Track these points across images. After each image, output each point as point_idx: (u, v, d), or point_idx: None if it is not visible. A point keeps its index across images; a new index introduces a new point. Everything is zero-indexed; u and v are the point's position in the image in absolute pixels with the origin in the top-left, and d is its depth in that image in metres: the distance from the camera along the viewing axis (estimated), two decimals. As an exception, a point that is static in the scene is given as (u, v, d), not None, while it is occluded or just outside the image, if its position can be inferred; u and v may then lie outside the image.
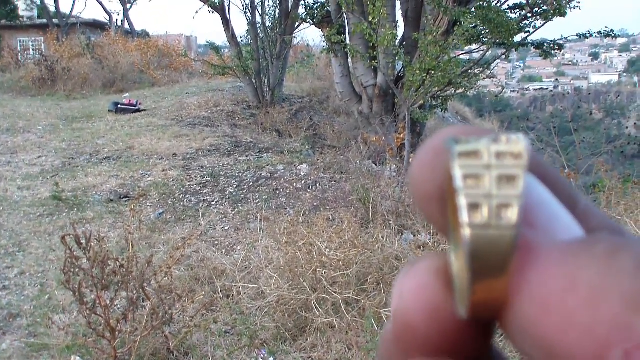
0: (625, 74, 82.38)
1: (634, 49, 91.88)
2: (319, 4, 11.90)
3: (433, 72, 7.95)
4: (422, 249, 5.40)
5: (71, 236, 3.69)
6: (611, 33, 10.36)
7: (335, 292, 4.58)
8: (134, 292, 3.98)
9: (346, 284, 4.69)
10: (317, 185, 8.22)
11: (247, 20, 13.34)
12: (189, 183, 8.48)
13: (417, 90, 8.23)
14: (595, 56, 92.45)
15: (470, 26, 8.36)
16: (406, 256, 5.22)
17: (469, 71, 9.32)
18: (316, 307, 4.50)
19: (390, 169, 8.36)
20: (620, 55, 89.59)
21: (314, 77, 19.06)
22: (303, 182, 8.36)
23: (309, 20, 12.12)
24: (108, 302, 3.81)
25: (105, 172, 8.86)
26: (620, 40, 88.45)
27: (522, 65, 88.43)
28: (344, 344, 4.20)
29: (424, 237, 5.81)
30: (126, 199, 7.78)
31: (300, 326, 4.55)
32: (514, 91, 77.19)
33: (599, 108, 71.45)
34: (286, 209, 7.26)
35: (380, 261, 5.06)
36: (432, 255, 0.28)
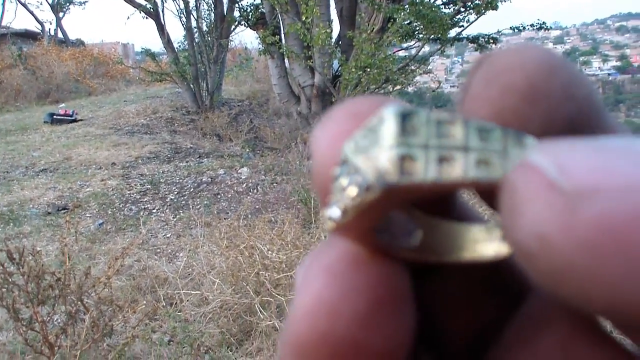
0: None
1: (568, 40, 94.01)
2: (253, 6, 11.86)
3: (369, 70, 7.99)
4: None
5: (3, 251, 3.59)
6: (544, 25, 10.56)
7: (279, 295, 4.55)
8: (73, 305, 3.89)
9: (290, 286, 4.67)
10: (258, 188, 8.18)
11: (183, 25, 13.23)
12: (128, 192, 8.36)
13: (355, 88, 8.27)
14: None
15: (404, 22, 8.43)
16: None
17: (406, 67, 9.40)
18: (260, 311, 4.47)
19: (331, 168, 8.36)
20: (555, 48, 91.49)
21: (252, 80, 19.00)
22: (244, 185, 8.31)
23: (244, 22, 12.07)
24: (45, 317, 3.72)
25: (42, 185, 8.67)
26: (555, 33, 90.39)
27: (460, 60, 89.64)
28: (290, 346, 4.17)
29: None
30: (65, 211, 7.62)
31: (245, 330, 4.52)
32: (453, 86, 78.20)
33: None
34: (227, 213, 7.21)
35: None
36: None
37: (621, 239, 0.17)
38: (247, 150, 10.43)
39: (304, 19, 8.53)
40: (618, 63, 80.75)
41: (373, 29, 8.30)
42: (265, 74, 18.01)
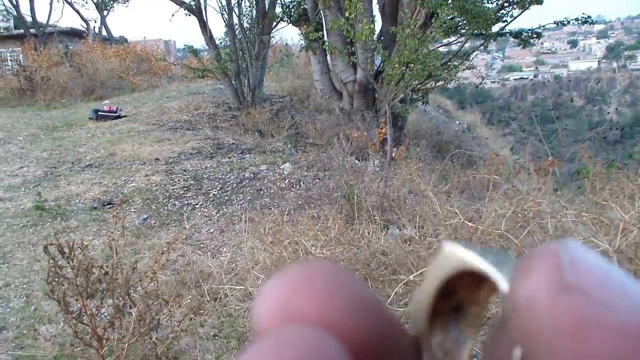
0: (604, 60, 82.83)
1: (612, 35, 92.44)
2: (295, 2, 11.88)
3: (412, 65, 7.95)
4: (408, 243, 5.39)
5: (54, 245, 3.65)
6: (589, 20, 10.41)
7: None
8: (120, 299, 3.95)
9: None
10: (301, 183, 8.20)
11: (225, 21, 13.30)
12: (172, 187, 8.44)
13: (397, 84, 8.23)
14: (574, 44, 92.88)
15: (448, 18, 8.37)
16: (392, 251, 5.21)
17: (449, 63, 9.33)
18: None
19: (374, 164, 8.36)
20: (599, 42, 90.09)
21: (293, 76, 19.04)
22: (286, 181, 8.34)
23: (286, 18, 12.10)
24: (94, 310, 3.77)
25: (87, 180, 8.80)
26: (598, 27, 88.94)
27: (501, 55, 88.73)
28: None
29: (409, 231, 5.79)
30: (110, 206, 7.73)
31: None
32: (494, 82, 77.44)
33: (579, 95, 71.89)
34: (270, 208, 7.23)
35: (367, 257, 5.05)
36: None
37: (586, 337, 0.22)
38: (289, 146, 10.46)
39: (347, 14, 8.51)
40: (664, 56, 79.21)
41: (416, 24, 8.25)
42: (306, 70, 18.05)
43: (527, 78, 78.44)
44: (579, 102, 69.41)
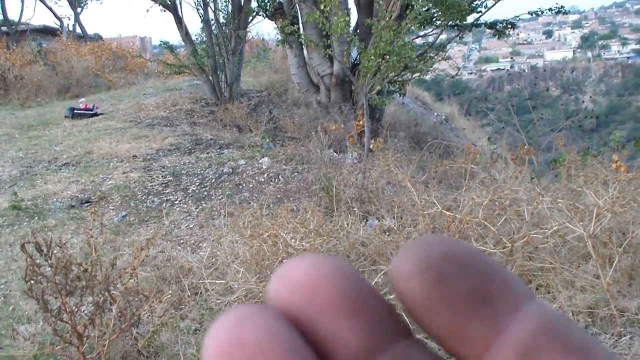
0: (579, 50, 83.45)
1: (586, 25, 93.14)
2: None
3: (388, 57, 7.97)
4: (387, 233, 5.41)
5: (32, 244, 3.63)
6: (562, 10, 10.48)
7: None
8: (100, 296, 3.93)
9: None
10: (280, 177, 8.20)
11: (200, 17, 13.24)
12: (150, 184, 8.41)
13: (374, 76, 8.25)
14: (549, 34, 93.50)
15: (423, 9, 8.39)
16: (372, 241, 5.24)
17: (424, 54, 9.36)
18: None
19: (352, 156, 8.38)
20: (573, 32, 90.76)
21: (271, 71, 19.00)
22: (265, 175, 8.34)
23: (262, 13, 12.07)
24: (74, 307, 3.76)
25: (65, 179, 8.75)
26: (573, 17, 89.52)
27: (478, 47, 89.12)
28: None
29: (388, 221, 5.82)
30: (88, 204, 7.68)
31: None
32: (471, 73, 77.79)
33: (555, 85, 72.42)
34: (250, 203, 7.23)
35: (346, 248, 5.08)
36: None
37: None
38: (267, 140, 10.46)
39: (322, 7, 8.52)
40: (637, 46, 79.75)
41: (391, 16, 8.27)
42: (283, 65, 18.02)
43: (503, 69, 78.87)
44: (555, 92, 69.91)
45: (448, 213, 4.93)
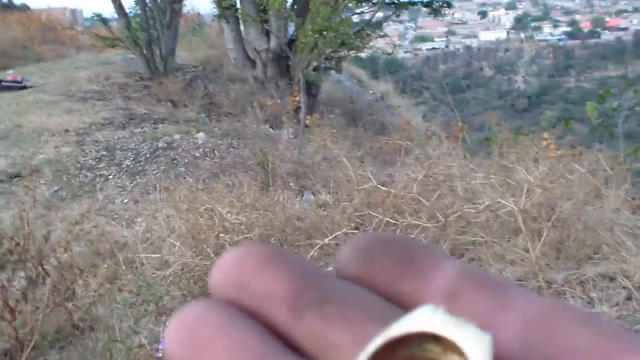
0: (512, 31, 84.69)
1: (520, 6, 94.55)
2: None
3: (325, 33, 7.99)
4: (323, 208, 5.47)
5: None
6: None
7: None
8: (33, 270, 3.89)
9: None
10: (215, 152, 8.18)
11: (135, -11, 13.00)
12: (83, 158, 8.27)
13: (311, 52, 8.27)
14: (483, 14, 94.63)
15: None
16: (307, 216, 5.29)
17: (361, 31, 9.41)
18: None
19: (288, 131, 8.40)
20: (507, 13, 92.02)
21: (206, 46, 18.77)
22: (201, 150, 8.30)
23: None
24: (5, 282, 3.71)
25: (-7, 152, 8.54)
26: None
27: (414, 26, 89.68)
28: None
29: (324, 196, 5.88)
30: (18, 178, 7.53)
31: (207, 292, 4.56)
32: (407, 52, 78.20)
33: (489, 65, 73.47)
34: (185, 177, 7.20)
35: (282, 222, 5.11)
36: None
37: None
38: (203, 115, 10.38)
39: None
40: (568, 29, 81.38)
41: (330, -8, 8.31)
42: (218, 40, 17.82)
43: (439, 48, 79.57)
44: (488, 72, 70.98)
45: (383, 188, 5.01)
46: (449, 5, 10.81)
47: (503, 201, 4.24)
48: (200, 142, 8.54)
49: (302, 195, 6.03)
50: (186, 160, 8.03)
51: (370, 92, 19.65)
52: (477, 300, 0.29)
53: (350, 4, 8.59)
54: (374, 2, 9.62)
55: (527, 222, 4.24)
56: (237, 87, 12.84)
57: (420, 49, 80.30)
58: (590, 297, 3.90)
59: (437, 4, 10.52)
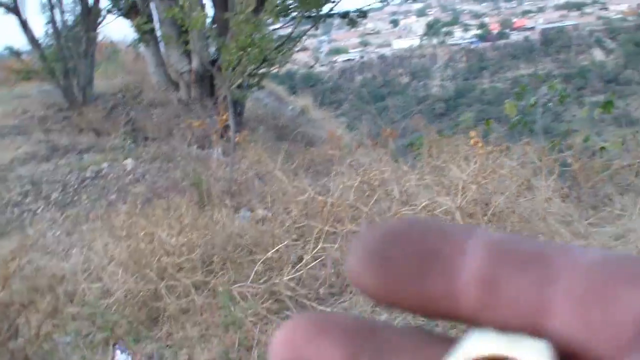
0: (425, 38, 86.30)
1: (430, 13, 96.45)
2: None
3: (249, 50, 8.03)
4: (261, 223, 5.50)
5: None
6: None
7: (183, 278, 4.58)
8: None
9: (192, 268, 4.70)
10: (146, 177, 8.10)
11: (48, 19, 12.76)
12: (8, 195, 8.07)
13: (234, 69, 8.29)
14: (395, 23, 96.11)
15: (280, 0, 8.50)
16: (247, 232, 5.30)
17: (282, 46, 9.47)
18: (166, 295, 4.48)
19: (218, 151, 8.39)
20: (418, 20, 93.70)
21: (123, 72, 18.56)
22: (131, 176, 8.21)
23: (115, 11, 11.80)
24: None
25: None
26: (417, 6, 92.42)
27: (327, 39, 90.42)
28: (200, 326, 4.23)
29: (261, 211, 5.90)
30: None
31: (153, 317, 4.53)
32: (323, 65, 78.76)
33: (405, 72, 74.69)
34: (118, 205, 7.10)
35: (223, 241, 5.11)
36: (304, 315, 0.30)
37: None
38: (129, 142, 10.26)
39: (181, 3, 8.46)
40: (479, 31, 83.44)
41: (248, 9, 8.33)
42: (135, 66, 17.64)
43: (354, 59, 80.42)
44: (405, 79, 72.18)
45: (320, 198, 5.06)
46: (365, 16, 10.99)
47: (440, 200, 4.35)
48: (129, 169, 8.44)
49: (239, 212, 6.04)
50: (117, 188, 7.92)
51: (290, 107, 19.75)
52: (517, 284, 0.27)
53: (270, 19, 8.66)
54: (292, 16, 9.71)
55: (465, 219, 4.35)
56: (159, 110, 12.73)
57: (335, 62, 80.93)
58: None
59: (353, 14, 10.69)
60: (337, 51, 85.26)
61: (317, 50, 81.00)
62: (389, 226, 0.29)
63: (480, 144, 5.50)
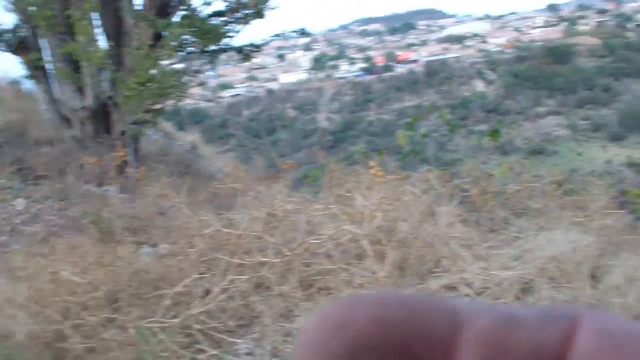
0: (311, 71, 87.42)
1: (316, 47, 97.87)
2: (11, 30, 11.26)
3: (150, 84, 7.98)
4: (167, 257, 5.46)
5: None
6: (304, 31, 11.12)
7: (88, 316, 4.49)
8: None
9: (98, 306, 4.62)
10: (40, 216, 7.87)
11: None
12: None
13: (133, 105, 8.22)
14: (281, 57, 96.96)
15: (178, 36, 8.50)
16: (153, 268, 5.24)
17: (180, 80, 9.44)
18: (72, 335, 4.38)
19: (115, 188, 8.26)
20: (305, 55, 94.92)
21: (6, 111, 17.94)
22: (24, 216, 7.94)
23: (3, 47, 11.44)
24: None
25: None
26: (303, 40, 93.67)
27: (214, 74, 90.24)
28: (108, 364, 4.16)
29: (164, 246, 5.86)
30: None
31: (58, 358, 4.41)
32: (209, 100, 78.45)
33: (292, 106, 75.44)
34: (11, 245, 6.87)
35: (128, 277, 5.04)
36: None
37: None
38: (17, 181, 9.93)
39: (78, 39, 8.33)
40: (364, 65, 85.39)
41: (147, 44, 8.29)
42: (18, 104, 17.11)
43: (241, 94, 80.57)
44: (292, 113, 72.90)
45: (226, 230, 5.09)
46: (259, 49, 11.11)
47: (348, 228, 4.47)
48: (20, 209, 8.18)
49: (142, 249, 5.97)
50: (8, 229, 7.65)
51: (179, 143, 19.62)
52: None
53: (168, 54, 8.64)
54: (188, 50, 9.71)
55: (371, 246, 4.48)
56: (50, 149, 12.39)
57: (223, 97, 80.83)
58: (436, 308, 4.18)
59: (247, 49, 10.78)
60: (224, 86, 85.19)
61: (204, 86, 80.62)
62: (334, 311, 0.27)
63: (380, 173, 5.67)
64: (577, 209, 5.38)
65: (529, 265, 4.28)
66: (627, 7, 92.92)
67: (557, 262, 4.33)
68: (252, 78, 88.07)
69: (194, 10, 8.81)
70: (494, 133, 7.22)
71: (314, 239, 4.75)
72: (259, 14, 9.04)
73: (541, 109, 71.80)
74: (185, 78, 9.47)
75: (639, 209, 5.76)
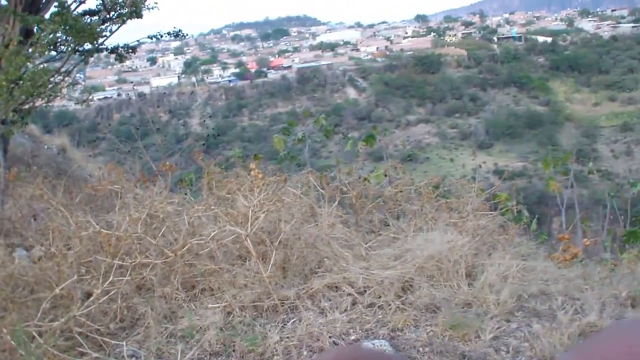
0: (183, 76, 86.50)
1: (188, 51, 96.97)
2: None
3: (22, 83, 7.66)
4: (42, 261, 5.29)
5: None
6: (180, 33, 10.98)
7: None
8: None
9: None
10: None
11: None
12: None
13: (1, 103, 7.87)
14: (152, 61, 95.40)
15: (51, 34, 8.20)
16: (28, 271, 5.07)
17: (52, 79, 9.10)
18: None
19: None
20: (177, 58, 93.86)
21: None
22: None
23: None
24: None
25: None
26: (175, 44, 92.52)
27: (83, 76, 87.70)
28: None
29: (39, 249, 5.67)
30: None
31: None
32: (77, 103, 76.12)
33: (164, 110, 74.40)
34: None
35: (5, 280, 4.85)
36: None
37: None
38: None
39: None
40: (237, 70, 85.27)
41: (16, 40, 7.95)
42: None
43: (111, 97, 78.76)
44: (164, 117, 71.89)
45: (105, 232, 4.98)
46: (134, 51, 10.89)
47: (231, 228, 4.48)
48: None
49: (15, 252, 5.75)
50: None
51: (46, 146, 18.97)
52: None
53: (39, 52, 8.31)
54: (61, 49, 9.38)
55: (254, 247, 4.52)
56: None
57: (92, 100, 78.79)
58: (321, 307, 4.28)
59: (122, 49, 10.52)
60: (93, 89, 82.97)
61: (72, 88, 78.22)
62: None
63: (261, 176, 5.73)
64: (451, 210, 5.64)
65: (408, 265, 4.45)
66: (491, 21, 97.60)
67: (435, 261, 4.52)
68: (122, 81, 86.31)
69: (67, 7, 8.53)
70: (369, 139, 7.42)
71: (196, 240, 4.74)
72: (136, 14, 8.86)
73: (412, 117, 74.19)
74: (58, 77, 9.14)
75: (507, 212, 6.11)
